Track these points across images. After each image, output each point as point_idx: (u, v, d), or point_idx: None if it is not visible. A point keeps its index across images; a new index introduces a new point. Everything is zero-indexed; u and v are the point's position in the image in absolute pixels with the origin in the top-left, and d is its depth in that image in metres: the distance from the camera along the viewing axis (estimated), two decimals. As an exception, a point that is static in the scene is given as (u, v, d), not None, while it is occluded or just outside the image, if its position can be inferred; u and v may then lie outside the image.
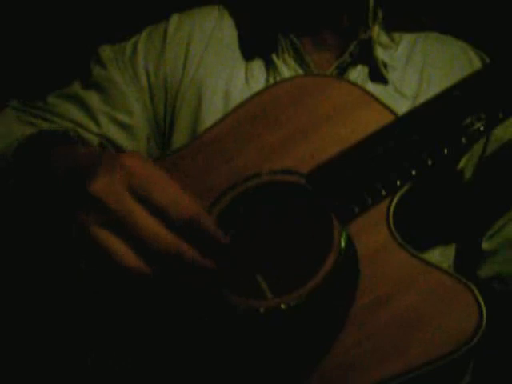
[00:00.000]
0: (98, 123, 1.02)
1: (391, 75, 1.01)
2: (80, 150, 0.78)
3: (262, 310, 0.71)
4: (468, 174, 1.00)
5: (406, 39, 1.07)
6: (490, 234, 1.00)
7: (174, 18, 1.08)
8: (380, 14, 1.03)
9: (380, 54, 1.01)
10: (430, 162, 0.78)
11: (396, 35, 1.06)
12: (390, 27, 1.06)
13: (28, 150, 0.84)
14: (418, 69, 1.03)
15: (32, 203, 0.79)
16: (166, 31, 1.06)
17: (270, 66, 1.01)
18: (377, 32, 1.02)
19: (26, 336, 0.77)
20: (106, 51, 1.06)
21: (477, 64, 1.04)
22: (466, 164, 0.99)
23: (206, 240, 0.67)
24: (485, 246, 1.00)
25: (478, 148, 1.00)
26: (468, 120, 0.79)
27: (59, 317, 0.78)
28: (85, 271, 0.72)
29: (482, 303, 0.71)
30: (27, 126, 0.98)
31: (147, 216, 0.66)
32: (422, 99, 0.85)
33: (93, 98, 1.03)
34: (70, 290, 0.78)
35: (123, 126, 1.03)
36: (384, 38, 1.04)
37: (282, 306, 0.71)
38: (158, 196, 0.66)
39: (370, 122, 0.82)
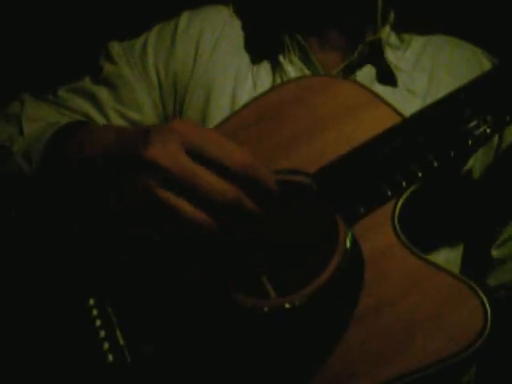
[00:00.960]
0: (108, 119, 1.02)
1: (400, 77, 1.00)
2: (122, 127, 0.77)
3: (266, 309, 0.71)
4: (476, 177, 1.00)
5: (416, 41, 1.07)
6: (499, 242, 1.00)
7: (185, 16, 1.08)
8: (391, 16, 1.03)
9: (390, 55, 1.01)
10: (435, 164, 0.78)
11: (406, 36, 1.06)
12: (400, 29, 1.05)
13: (66, 133, 0.85)
14: (426, 71, 1.03)
15: (80, 181, 0.79)
16: (176, 28, 1.06)
17: (276, 66, 1.01)
18: (387, 33, 1.02)
19: (29, 331, 0.78)
20: (116, 47, 1.07)
21: (488, 69, 1.03)
22: (474, 167, 0.99)
23: (261, 191, 0.68)
24: (494, 253, 1.00)
25: (486, 150, 1.00)
26: (474, 122, 0.79)
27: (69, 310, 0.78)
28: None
29: (488, 305, 0.70)
30: (53, 113, 0.99)
31: (206, 172, 0.66)
32: (430, 102, 0.85)
33: (103, 94, 1.03)
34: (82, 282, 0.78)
35: (133, 123, 1.03)
36: (394, 39, 1.04)
37: (287, 305, 0.71)
38: (215, 150, 0.67)
39: (377, 123, 0.81)
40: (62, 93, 1.04)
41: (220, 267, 0.73)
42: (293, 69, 1.00)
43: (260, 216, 0.68)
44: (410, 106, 0.91)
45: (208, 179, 0.66)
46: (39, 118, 0.94)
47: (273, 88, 0.92)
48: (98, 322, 0.76)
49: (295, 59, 1.01)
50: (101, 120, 1.02)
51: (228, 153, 0.67)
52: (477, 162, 0.99)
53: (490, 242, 1.01)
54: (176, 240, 0.70)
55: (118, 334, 0.75)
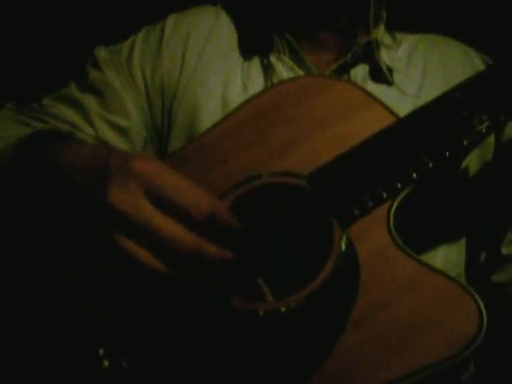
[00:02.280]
0: (93, 126, 1.01)
1: (393, 76, 1.00)
2: (83, 149, 0.77)
3: (261, 312, 0.71)
4: (471, 176, 1.00)
5: (408, 40, 1.07)
6: (509, 239, 0.99)
7: (171, 19, 1.07)
8: (384, 15, 1.03)
9: (383, 55, 1.01)
10: (431, 165, 0.77)
11: (398, 35, 1.06)
12: (392, 28, 1.05)
13: (25, 150, 0.83)
14: (419, 70, 1.02)
15: (32, 203, 0.78)
16: (163, 31, 1.05)
17: (267, 67, 1.00)
18: (382, 33, 1.02)
19: (27, 337, 0.77)
20: (102, 53, 1.05)
21: (479, 66, 1.03)
22: (468, 165, 0.98)
23: (225, 234, 0.67)
24: (504, 251, 1.00)
25: (482, 147, 0.99)
26: (470, 122, 0.79)
27: (62, 316, 0.77)
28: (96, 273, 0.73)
29: (483, 307, 0.71)
30: (24, 127, 0.97)
31: (165, 219, 0.66)
32: (423, 101, 0.85)
33: (89, 101, 1.02)
34: (71, 290, 0.78)
35: (119, 130, 1.02)
36: (387, 39, 1.04)
37: (282, 308, 0.71)
38: (176, 196, 0.66)
39: (372, 123, 0.81)
40: (46, 101, 1.03)
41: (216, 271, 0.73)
42: (284, 69, 0.99)
43: (225, 260, 0.67)
44: (403, 104, 0.91)
45: (166, 227, 0.65)
46: (7, 136, 0.92)
47: (266, 89, 0.92)
48: (93, 328, 0.76)
49: (286, 59, 1.00)
50: (86, 127, 1.01)
51: (190, 199, 0.66)
52: (472, 161, 0.99)
53: (498, 240, 1.00)
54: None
55: (114, 338, 0.75)
